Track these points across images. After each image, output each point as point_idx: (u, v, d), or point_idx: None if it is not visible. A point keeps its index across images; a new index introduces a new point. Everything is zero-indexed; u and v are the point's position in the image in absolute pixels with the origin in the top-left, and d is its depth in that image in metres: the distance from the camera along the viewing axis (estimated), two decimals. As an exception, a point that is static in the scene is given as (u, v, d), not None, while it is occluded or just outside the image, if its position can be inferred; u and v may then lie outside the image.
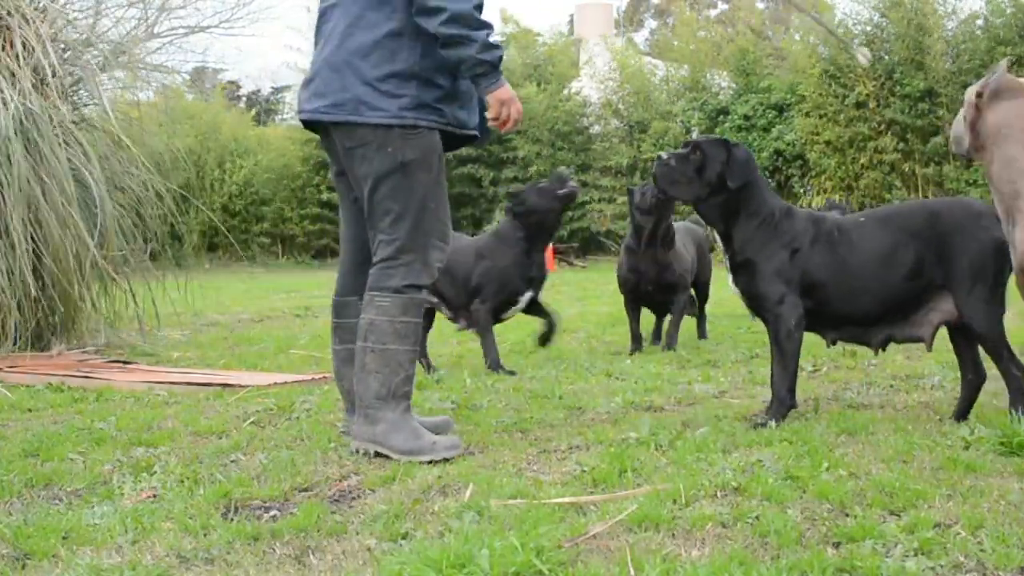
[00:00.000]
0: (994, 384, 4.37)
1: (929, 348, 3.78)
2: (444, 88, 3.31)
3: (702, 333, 6.45)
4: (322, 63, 3.34)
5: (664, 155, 3.86)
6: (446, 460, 3.22)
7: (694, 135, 18.77)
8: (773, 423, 3.56)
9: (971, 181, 16.20)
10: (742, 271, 3.76)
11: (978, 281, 3.53)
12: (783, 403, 3.68)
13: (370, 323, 3.30)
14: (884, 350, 3.81)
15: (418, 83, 3.27)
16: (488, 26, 3.24)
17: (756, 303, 3.77)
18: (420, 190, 3.30)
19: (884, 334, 3.74)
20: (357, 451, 3.31)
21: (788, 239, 3.70)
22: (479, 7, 3.24)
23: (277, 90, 34.59)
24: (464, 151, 21.39)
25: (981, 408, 3.77)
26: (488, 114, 3.35)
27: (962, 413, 3.67)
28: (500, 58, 3.28)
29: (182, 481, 3.04)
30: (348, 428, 3.50)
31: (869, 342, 3.77)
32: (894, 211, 3.89)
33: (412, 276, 3.31)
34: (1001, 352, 3.54)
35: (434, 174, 3.34)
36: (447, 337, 6.99)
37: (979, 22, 16.63)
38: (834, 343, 3.87)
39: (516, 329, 7.20)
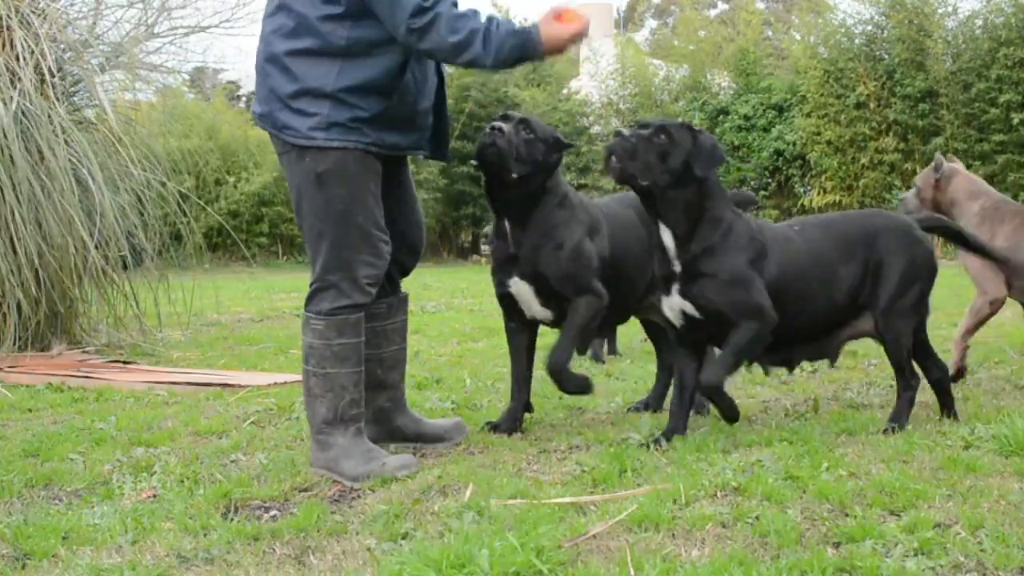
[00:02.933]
0: (994, 384, 4.37)
1: (833, 364, 3.80)
2: (367, 111, 3.07)
3: (612, 349, 6.02)
4: (257, 64, 3.20)
5: (625, 131, 3.39)
6: (448, 460, 3.22)
7: None
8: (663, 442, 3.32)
9: (971, 181, 16.16)
10: (702, 281, 3.35)
11: (902, 297, 3.52)
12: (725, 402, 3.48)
13: (309, 346, 3.16)
14: (791, 371, 3.82)
15: (332, 103, 3.05)
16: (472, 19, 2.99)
17: (718, 315, 3.35)
18: (339, 204, 3.09)
19: (806, 354, 3.65)
20: (314, 476, 3.12)
21: (753, 253, 3.39)
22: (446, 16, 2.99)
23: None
24: (466, 149, 21.46)
25: (981, 408, 3.77)
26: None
27: (948, 409, 3.65)
28: (509, 32, 3.01)
29: (182, 481, 3.04)
30: None
31: (791, 363, 3.68)
32: (832, 221, 3.73)
33: (342, 297, 3.12)
34: (903, 366, 3.55)
35: (357, 187, 3.10)
36: (447, 337, 6.99)
37: (979, 22, 16.64)
38: (768, 372, 3.83)
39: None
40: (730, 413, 3.49)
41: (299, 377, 5.09)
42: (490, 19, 3.03)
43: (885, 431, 3.41)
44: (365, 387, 3.28)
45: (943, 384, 3.68)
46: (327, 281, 3.14)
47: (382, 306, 3.38)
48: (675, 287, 3.39)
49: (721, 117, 18.47)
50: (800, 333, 3.52)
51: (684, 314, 3.39)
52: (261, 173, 20.82)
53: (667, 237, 3.38)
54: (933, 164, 4.79)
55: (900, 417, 3.51)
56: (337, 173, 3.08)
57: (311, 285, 3.18)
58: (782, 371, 4.81)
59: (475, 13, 3.03)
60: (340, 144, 3.07)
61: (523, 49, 3.03)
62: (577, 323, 3.58)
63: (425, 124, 3.28)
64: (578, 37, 3.09)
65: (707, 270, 3.34)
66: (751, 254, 3.38)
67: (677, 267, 3.38)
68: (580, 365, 5.48)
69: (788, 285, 3.43)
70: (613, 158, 3.32)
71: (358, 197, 3.11)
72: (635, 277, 3.80)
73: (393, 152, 3.22)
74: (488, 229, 5.98)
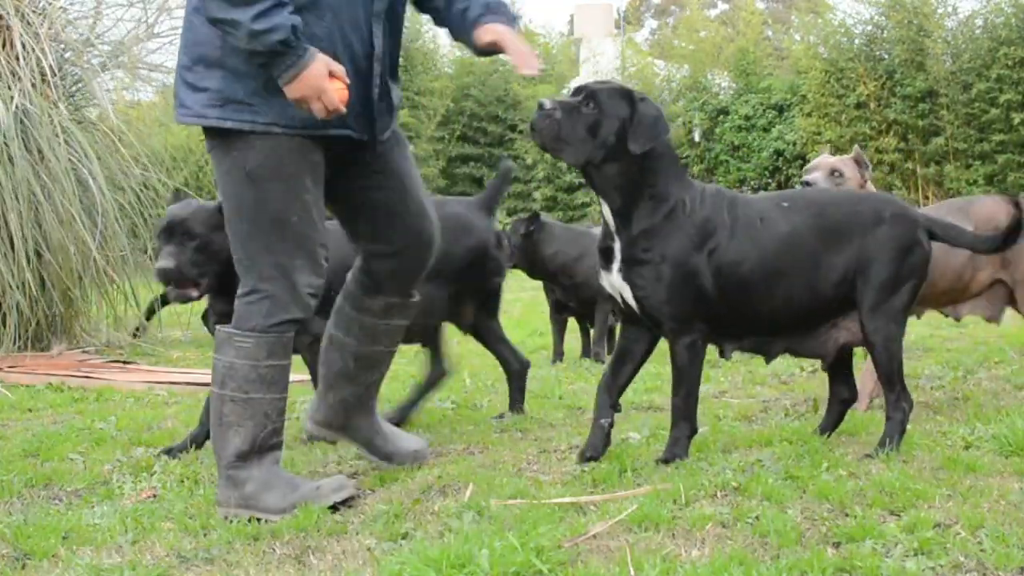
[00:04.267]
0: (994, 384, 4.37)
1: (826, 366, 3.39)
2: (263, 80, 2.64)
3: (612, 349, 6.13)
4: None
5: (547, 103, 3.01)
6: (438, 463, 3.21)
7: (696, 135, 18.82)
8: (681, 457, 3.06)
9: (971, 181, 16.20)
10: (639, 268, 3.04)
11: (891, 295, 3.15)
12: (689, 432, 3.13)
13: (228, 367, 2.73)
14: (768, 362, 3.43)
15: (224, 74, 2.66)
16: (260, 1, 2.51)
17: (654, 311, 3.07)
18: (273, 204, 2.71)
19: (784, 345, 3.28)
20: (225, 518, 2.70)
21: (703, 236, 3.04)
22: None
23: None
24: (466, 149, 21.48)
25: (981, 408, 3.77)
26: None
27: (828, 428, 3.40)
28: (279, 42, 2.52)
29: (182, 481, 3.04)
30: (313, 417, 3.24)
31: (768, 352, 3.31)
32: (823, 203, 3.26)
33: (278, 311, 2.73)
34: (894, 379, 3.17)
35: (292, 183, 2.72)
36: (447, 337, 6.99)
37: (979, 22, 16.64)
38: (729, 356, 3.39)
39: (516, 329, 7.20)
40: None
41: (299, 377, 5.09)
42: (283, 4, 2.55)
43: (868, 456, 3.06)
44: (334, 376, 3.09)
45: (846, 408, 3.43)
46: (260, 291, 2.73)
47: (379, 302, 3.09)
48: (615, 265, 3.09)
49: (721, 117, 18.48)
50: (774, 321, 3.18)
51: (623, 298, 3.12)
52: None
53: (606, 211, 3.10)
54: (858, 157, 4.08)
55: (890, 441, 3.11)
56: (272, 167, 2.69)
57: (239, 298, 2.77)
58: (782, 371, 4.82)
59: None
60: (236, 125, 2.66)
61: (278, 55, 2.55)
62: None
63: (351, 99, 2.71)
64: (318, 109, 2.61)
65: (645, 256, 3.02)
66: (698, 238, 3.02)
67: (616, 243, 3.08)
68: (581, 365, 5.49)
69: (755, 267, 3.07)
70: (535, 135, 3.02)
71: (298, 194, 2.73)
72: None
73: (312, 133, 2.72)
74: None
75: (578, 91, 3.07)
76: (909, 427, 3.49)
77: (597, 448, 3.14)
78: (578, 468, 3.04)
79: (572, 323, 6.06)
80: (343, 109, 2.63)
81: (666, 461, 3.03)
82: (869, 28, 17.37)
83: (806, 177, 3.96)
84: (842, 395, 3.40)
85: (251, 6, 2.50)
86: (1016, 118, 15.69)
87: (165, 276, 3.33)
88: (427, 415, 4.00)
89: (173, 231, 3.33)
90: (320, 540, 2.46)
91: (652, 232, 3.02)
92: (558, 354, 5.77)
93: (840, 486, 2.69)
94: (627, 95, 3.04)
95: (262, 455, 2.76)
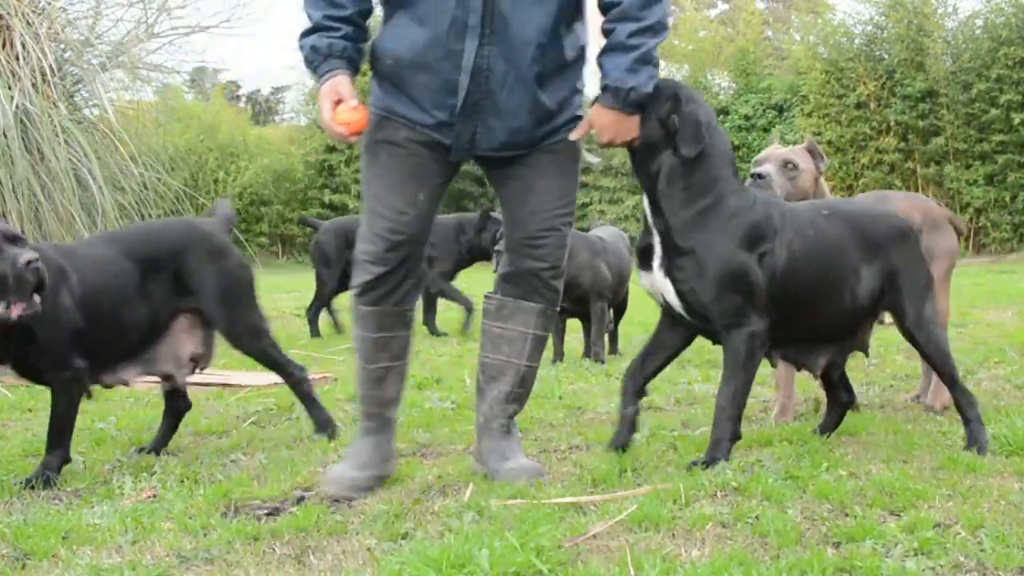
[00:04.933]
0: (994, 384, 4.37)
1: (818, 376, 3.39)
2: (380, 68, 2.92)
3: (614, 349, 6.18)
4: None
5: None
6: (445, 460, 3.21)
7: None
8: (723, 461, 2.97)
9: (971, 181, 16.21)
10: (680, 260, 2.99)
11: (929, 302, 3.25)
12: (732, 434, 3.03)
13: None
14: (816, 376, 3.38)
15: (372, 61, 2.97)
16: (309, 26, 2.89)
17: (699, 307, 3.01)
18: (365, 181, 3.00)
19: (828, 356, 3.27)
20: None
21: (752, 238, 3.00)
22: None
23: (277, 90, 34.60)
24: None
25: (981, 408, 3.76)
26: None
27: (828, 429, 3.41)
28: (304, 59, 2.91)
29: (182, 481, 3.04)
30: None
31: (812, 365, 3.27)
32: (856, 214, 3.28)
33: (356, 275, 2.99)
34: (956, 378, 3.25)
35: (376, 165, 2.94)
36: (448, 337, 7.00)
37: (979, 22, 16.65)
38: (775, 364, 3.36)
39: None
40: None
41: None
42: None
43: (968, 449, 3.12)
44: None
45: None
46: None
47: (492, 303, 3.09)
48: (655, 262, 3.05)
49: (721, 117, 18.49)
50: (819, 329, 3.20)
51: (665, 299, 3.08)
52: (252, 165, 20.79)
53: (646, 205, 3.07)
54: (811, 146, 3.90)
55: (980, 447, 3.11)
56: (367, 146, 2.95)
57: None
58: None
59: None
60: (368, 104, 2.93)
61: (310, 68, 2.92)
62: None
63: (446, 103, 2.84)
64: (331, 132, 2.89)
65: (685, 247, 2.97)
66: (746, 239, 2.98)
67: (656, 239, 3.05)
68: (581, 366, 5.48)
69: (806, 275, 3.06)
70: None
71: (377, 176, 2.93)
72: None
73: (403, 122, 2.89)
74: None
75: None
76: (909, 427, 3.50)
77: (623, 437, 3.14)
78: (578, 468, 3.04)
79: (574, 324, 6.06)
80: (333, 127, 2.85)
81: (706, 464, 2.94)
82: (869, 28, 17.40)
83: (756, 169, 3.77)
84: (841, 398, 3.42)
85: (305, 28, 2.91)
86: (1016, 118, 15.71)
87: None
88: (427, 415, 4.00)
89: None
90: (320, 540, 2.46)
91: (693, 225, 2.97)
92: (558, 354, 5.77)
93: (840, 486, 2.69)
94: (673, 96, 2.98)
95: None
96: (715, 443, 3.00)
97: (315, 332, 7.33)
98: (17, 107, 6.14)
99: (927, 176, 16.49)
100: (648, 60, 2.84)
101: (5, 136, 6.05)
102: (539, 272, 2.99)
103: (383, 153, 2.92)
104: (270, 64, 53.75)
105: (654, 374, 3.22)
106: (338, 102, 2.83)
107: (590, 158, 3.02)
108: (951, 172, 16.30)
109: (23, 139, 6.15)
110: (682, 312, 3.05)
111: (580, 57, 3.00)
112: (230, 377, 5.14)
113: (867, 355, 3.53)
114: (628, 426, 3.16)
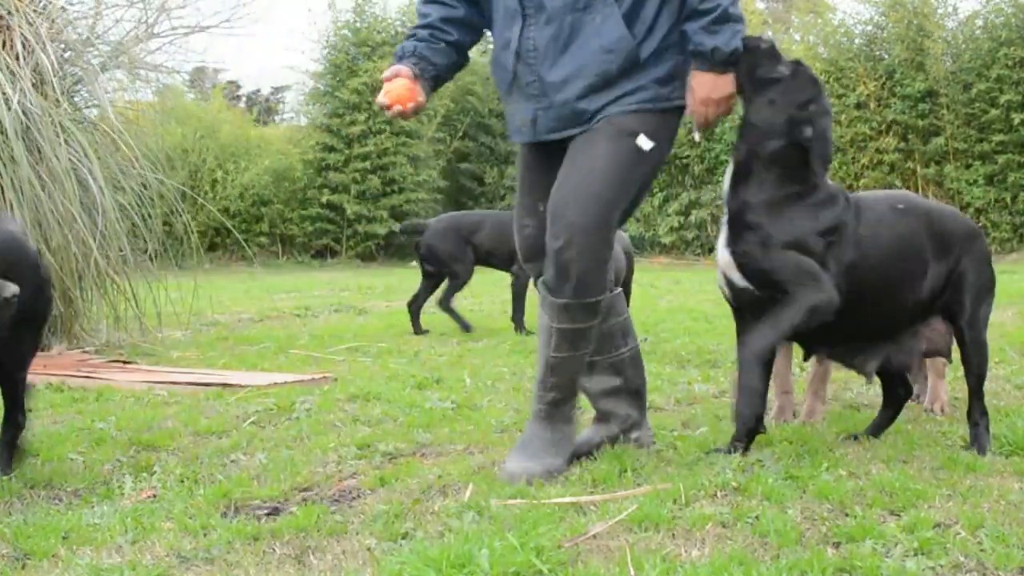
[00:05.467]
0: (994, 384, 4.37)
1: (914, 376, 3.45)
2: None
3: None
4: None
5: (766, 37, 3.10)
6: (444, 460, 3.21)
7: (696, 136, 18.75)
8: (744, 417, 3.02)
9: (971, 181, 16.20)
10: (746, 234, 2.98)
11: (983, 305, 3.24)
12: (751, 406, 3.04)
13: None
14: (869, 381, 3.38)
15: None
16: None
17: (766, 282, 2.96)
18: None
19: (879, 358, 3.24)
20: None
21: (826, 229, 2.98)
22: None
23: (277, 90, 34.62)
24: (469, 144, 21.47)
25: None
26: None
27: (879, 428, 3.41)
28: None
29: (182, 481, 3.04)
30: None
31: (860, 366, 3.26)
32: (931, 209, 3.27)
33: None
34: (980, 388, 3.23)
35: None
36: (448, 337, 7.00)
37: (979, 22, 16.65)
38: (820, 361, 3.38)
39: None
40: (748, 414, 3.04)
41: (299, 377, 5.11)
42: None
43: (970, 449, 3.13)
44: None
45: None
46: None
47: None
48: (721, 241, 3.05)
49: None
50: (877, 326, 3.18)
51: (726, 278, 3.04)
52: (252, 166, 20.76)
53: (729, 177, 3.08)
54: None
55: (981, 448, 3.13)
56: None
57: None
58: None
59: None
60: None
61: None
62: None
63: (523, 99, 3.02)
64: (379, 102, 3.06)
65: (756, 220, 2.96)
66: (821, 227, 2.96)
67: (726, 216, 3.06)
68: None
69: (873, 270, 3.04)
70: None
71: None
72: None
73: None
74: None
75: (794, 63, 3.07)
76: (909, 427, 3.50)
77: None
78: (578, 468, 3.04)
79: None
80: (384, 99, 3.01)
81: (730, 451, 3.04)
82: (869, 28, 17.39)
83: None
84: (897, 395, 3.40)
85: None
86: (1016, 118, 15.70)
87: None
88: (427, 415, 4.00)
89: None
90: (320, 540, 2.46)
91: (772, 204, 2.97)
92: None
93: (840, 486, 2.69)
94: (813, 99, 3.01)
95: None
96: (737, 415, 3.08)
97: (466, 326, 7.20)
98: (18, 107, 6.14)
99: (927, 176, 16.48)
100: (726, 19, 2.85)
101: (6, 136, 6.05)
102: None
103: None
104: (270, 64, 53.80)
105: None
106: (396, 78, 3.02)
107: (644, 142, 2.95)
108: (951, 172, 16.30)
109: (24, 139, 6.15)
110: (746, 284, 2.98)
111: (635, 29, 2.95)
112: (230, 377, 5.14)
113: (950, 360, 3.51)
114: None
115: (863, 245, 3.02)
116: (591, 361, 3.15)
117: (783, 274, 2.93)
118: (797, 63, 3.05)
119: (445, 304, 7.32)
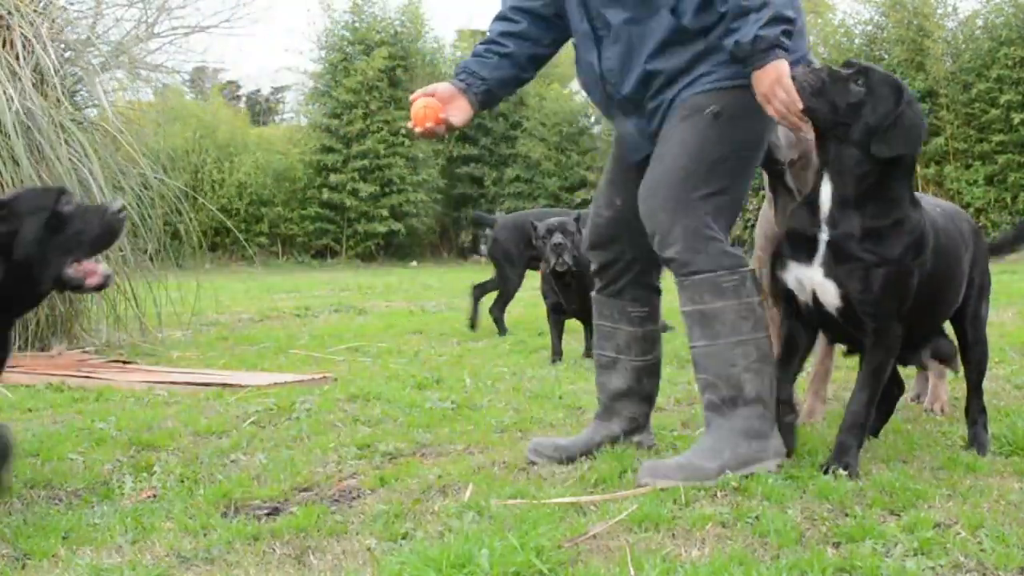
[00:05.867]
0: (994, 384, 4.37)
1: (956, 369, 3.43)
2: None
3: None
4: None
5: (816, 62, 2.93)
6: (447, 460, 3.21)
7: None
8: (852, 467, 2.86)
9: (971, 181, 16.20)
10: (855, 266, 2.84)
11: (984, 302, 3.28)
12: (859, 442, 2.94)
13: None
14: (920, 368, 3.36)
15: None
16: None
17: (863, 313, 2.87)
18: None
19: (922, 355, 3.29)
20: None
21: (918, 248, 2.89)
22: None
23: (277, 90, 34.62)
24: (467, 149, 21.45)
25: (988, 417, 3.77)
26: None
27: (876, 427, 3.37)
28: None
29: (182, 481, 3.04)
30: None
31: (918, 359, 3.32)
32: (948, 210, 3.23)
33: None
34: (981, 387, 3.27)
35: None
36: (447, 337, 7.00)
37: (979, 22, 16.65)
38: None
39: (517, 329, 7.20)
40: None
41: (299, 377, 5.12)
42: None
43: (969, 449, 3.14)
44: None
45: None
46: None
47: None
48: (817, 258, 2.89)
49: (721, 117, 18.52)
50: (929, 331, 3.20)
51: (815, 299, 2.91)
52: (244, 164, 20.77)
53: (826, 195, 2.88)
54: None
55: (981, 447, 3.13)
56: None
57: None
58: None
59: None
60: None
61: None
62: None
63: (623, 115, 3.12)
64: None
65: (866, 256, 2.82)
66: (915, 249, 2.88)
67: (825, 235, 2.87)
68: (581, 365, 5.48)
69: (937, 279, 3.00)
70: (795, 81, 2.74)
71: None
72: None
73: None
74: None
75: (848, 64, 2.89)
76: (909, 427, 3.50)
77: (790, 443, 3.02)
78: (578, 468, 3.04)
79: (574, 324, 6.06)
80: (409, 123, 3.17)
81: (826, 469, 2.83)
82: (869, 28, 17.40)
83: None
84: (892, 393, 3.39)
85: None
86: (1016, 118, 15.70)
87: None
88: (427, 415, 4.00)
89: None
90: (320, 540, 2.46)
91: (881, 233, 2.83)
92: (557, 354, 5.77)
93: (840, 486, 2.69)
94: (899, 89, 2.84)
95: None
96: (844, 448, 2.88)
97: (503, 330, 7.19)
98: (18, 106, 6.14)
99: (927, 176, 16.48)
100: (742, 12, 2.75)
101: (7, 136, 6.05)
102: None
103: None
104: (270, 64, 53.78)
105: (796, 376, 3.18)
106: (421, 97, 3.13)
107: (714, 109, 2.91)
108: (951, 172, 16.30)
109: (25, 139, 6.15)
110: (833, 312, 2.91)
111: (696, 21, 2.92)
112: (230, 377, 5.14)
113: (955, 371, 3.52)
114: (791, 434, 3.06)
115: (935, 258, 2.97)
116: (614, 358, 3.27)
117: (874, 316, 2.87)
118: (863, 71, 2.85)
119: (496, 312, 7.35)
